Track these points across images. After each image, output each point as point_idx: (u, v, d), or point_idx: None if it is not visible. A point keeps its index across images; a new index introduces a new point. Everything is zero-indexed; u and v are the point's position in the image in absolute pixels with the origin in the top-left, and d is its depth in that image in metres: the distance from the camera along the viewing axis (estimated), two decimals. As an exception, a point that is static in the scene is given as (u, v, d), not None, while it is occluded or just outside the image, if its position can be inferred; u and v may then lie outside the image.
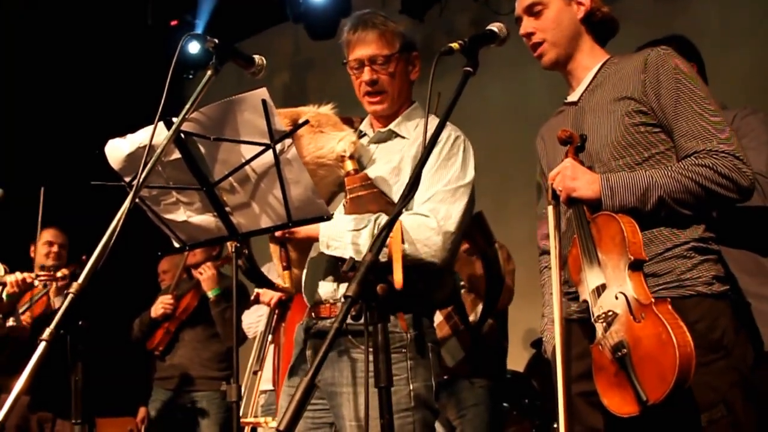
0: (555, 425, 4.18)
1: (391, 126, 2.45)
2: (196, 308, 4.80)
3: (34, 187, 4.28)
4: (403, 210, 1.90)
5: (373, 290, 1.61)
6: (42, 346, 1.58)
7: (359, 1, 6.19)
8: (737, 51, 5.02)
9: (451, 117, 2.40)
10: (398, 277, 1.99)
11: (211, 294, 4.65)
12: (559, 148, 2.21)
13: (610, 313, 1.95)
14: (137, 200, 2.10)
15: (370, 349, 1.70)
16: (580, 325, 2.17)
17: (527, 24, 2.29)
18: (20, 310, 4.29)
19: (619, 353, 1.89)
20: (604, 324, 1.96)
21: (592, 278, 2.02)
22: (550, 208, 2.21)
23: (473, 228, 3.55)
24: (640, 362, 1.86)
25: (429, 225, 2.22)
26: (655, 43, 2.39)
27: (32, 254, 4.73)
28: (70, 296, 1.64)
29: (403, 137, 2.43)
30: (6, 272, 4.11)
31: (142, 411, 5.39)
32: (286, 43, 6.99)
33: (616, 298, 1.94)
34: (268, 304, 3.67)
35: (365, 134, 2.53)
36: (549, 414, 4.31)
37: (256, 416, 3.88)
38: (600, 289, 2.00)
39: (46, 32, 6.38)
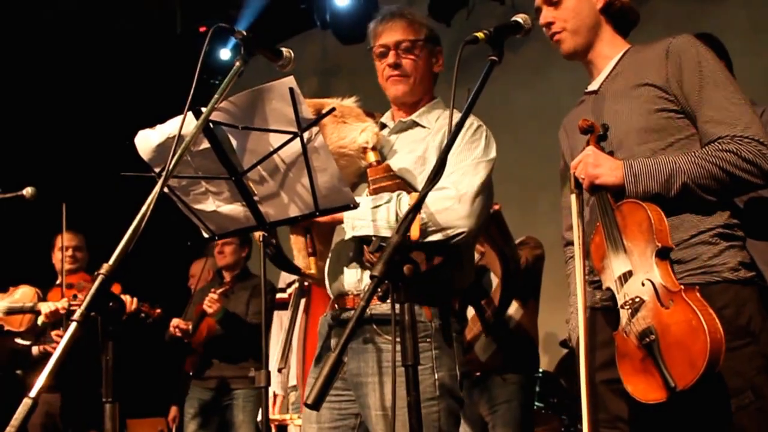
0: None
1: (413, 116, 2.49)
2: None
3: (61, 188, 4.35)
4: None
5: (400, 270, 1.61)
6: (73, 326, 1.60)
7: (386, 4, 6.23)
8: (766, 51, 4.97)
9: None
10: (415, 231, 2.00)
11: (216, 317, 4.71)
12: (580, 137, 2.21)
13: (637, 299, 1.93)
14: (167, 190, 2.14)
15: (397, 329, 1.70)
16: (604, 314, 2.16)
17: (547, 14, 2.30)
18: None
19: (647, 339, 1.88)
20: (630, 311, 1.95)
21: (617, 265, 2.01)
22: (573, 197, 2.20)
23: (491, 225, 3.57)
24: (668, 348, 1.84)
25: (448, 195, 2.24)
26: None
27: (54, 261, 4.79)
28: (100, 277, 1.65)
29: (424, 127, 2.46)
30: (39, 297, 4.19)
31: (173, 410, 5.45)
32: (314, 50, 7.04)
33: (643, 284, 1.93)
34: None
35: (386, 126, 2.56)
36: (577, 412, 4.29)
37: (282, 413, 3.90)
38: (625, 277, 1.98)
39: (73, 38, 6.48)
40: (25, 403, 1.50)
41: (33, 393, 1.51)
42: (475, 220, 2.26)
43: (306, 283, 3.85)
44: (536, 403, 4.28)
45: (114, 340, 1.70)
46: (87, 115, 6.58)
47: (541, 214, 5.65)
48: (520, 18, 2.08)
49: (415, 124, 2.49)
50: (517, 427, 3.93)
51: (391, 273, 1.60)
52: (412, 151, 2.41)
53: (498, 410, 3.94)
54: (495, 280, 4.05)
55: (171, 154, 1.87)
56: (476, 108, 1.96)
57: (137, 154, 2.18)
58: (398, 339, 2.19)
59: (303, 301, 4.03)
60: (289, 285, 4.41)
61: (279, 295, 4.42)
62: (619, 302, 1.99)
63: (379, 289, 1.61)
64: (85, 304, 1.62)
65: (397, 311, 2.18)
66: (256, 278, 4.98)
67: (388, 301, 2.22)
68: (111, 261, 1.68)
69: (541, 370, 4.44)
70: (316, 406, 1.46)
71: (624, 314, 1.97)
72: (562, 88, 5.87)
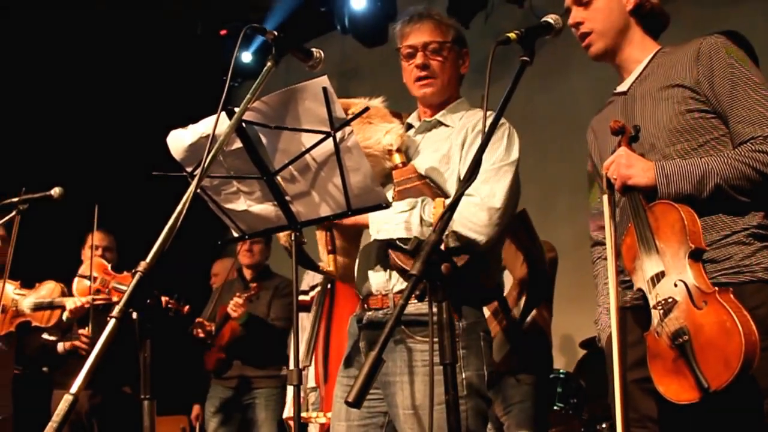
0: (604, 425, 4.16)
1: (437, 116, 2.49)
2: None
3: (89, 189, 4.37)
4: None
5: (438, 269, 1.62)
6: (112, 323, 1.61)
7: (405, 5, 6.25)
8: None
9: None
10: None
11: (240, 321, 4.73)
12: (610, 138, 2.21)
13: (670, 300, 1.93)
14: (198, 190, 2.15)
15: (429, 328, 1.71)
16: (634, 314, 2.16)
17: (576, 14, 2.30)
18: None
19: (679, 340, 1.88)
20: (662, 311, 1.95)
21: (649, 266, 2.01)
22: (605, 197, 2.19)
23: (517, 224, 3.57)
24: (701, 349, 1.84)
25: (473, 202, 2.24)
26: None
27: (83, 256, 4.79)
28: (137, 275, 1.67)
29: (448, 126, 2.47)
30: (64, 293, 4.21)
31: (195, 408, 5.47)
32: (333, 53, 7.07)
33: (675, 285, 1.93)
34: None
35: (412, 126, 2.57)
36: (597, 413, 4.30)
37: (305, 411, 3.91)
38: (658, 277, 1.98)
39: (94, 40, 6.53)
40: (66, 400, 1.51)
41: (73, 389, 1.52)
42: (496, 229, 2.26)
43: (329, 285, 3.86)
44: (557, 404, 4.28)
45: (152, 337, 1.71)
46: (111, 116, 6.62)
47: (559, 216, 5.66)
48: (551, 18, 2.07)
49: (440, 123, 2.50)
50: (531, 428, 3.93)
51: (430, 272, 1.60)
52: (436, 150, 2.42)
53: (512, 410, 3.94)
54: (508, 281, 4.04)
55: (206, 153, 1.89)
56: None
57: (161, 154, 2.19)
58: (428, 338, 2.23)
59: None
60: (312, 288, 4.43)
61: (301, 297, 4.43)
62: (651, 303, 1.99)
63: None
64: (123, 300, 1.63)
65: (422, 311, 2.21)
66: (277, 278, 5.00)
67: (422, 300, 2.26)
68: (148, 258, 1.70)
69: (561, 371, 4.44)
70: (357, 404, 1.46)
71: (656, 315, 1.97)
72: (580, 90, 5.89)
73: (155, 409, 1.72)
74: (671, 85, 2.14)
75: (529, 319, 4.00)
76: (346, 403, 1.48)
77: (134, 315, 1.67)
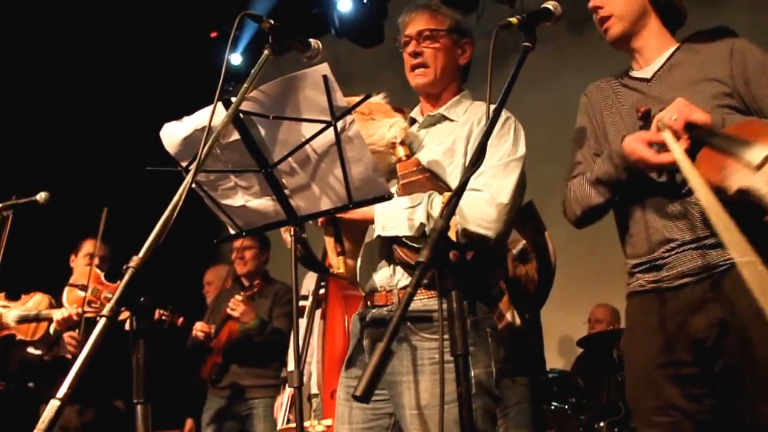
0: (602, 423, 4.10)
1: (441, 110, 2.45)
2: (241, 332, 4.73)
3: (79, 194, 4.28)
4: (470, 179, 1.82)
5: (446, 257, 1.54)
6: (102, 322, 1.50)
7: (396, 4, 6.22)
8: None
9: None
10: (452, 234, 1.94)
11: (252, 325, 4.58)
12: (623, 118, 2.21)
13: None
14: (194, 186, 2.06)
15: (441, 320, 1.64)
16: (656, 296, 2.13)
17: None
18: None
19: None
20: None
21: (754, 154, 1.84)
22: (667, 133, 1.99)
23: (524, 217, 3.50)
24: None
25: (482, 198, 2.19)
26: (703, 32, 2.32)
27: (71, 263, 4.58)
28: (130, 270, 1.57)
29: (452, 120, 2.43)
30: (52, 305, 4.06)
31: (189, 422, 5.34)
32: (325, 57, 7.00)
33: None
34: None
35: (416, 121, 2.53)
36: (594, 411, 4.25)
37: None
38: None
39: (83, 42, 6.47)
40: (52, 405, 1.41)
41: (60, 394, 1.42)
42: (504, 225, 2.21)
43: (321, 291, 3.77)
44: (554, 404, 4.22)
45: (145, 338, 1.61)
46: (101, 120, 6.56)
47: (550, 217, 5.56)
48: (550, 5, 2.08)
49: (444, 117, 2.45)
50: (530, 429, 3.88)
51: (438, 259, 1.53)
52: (440, 143, 2.38)
53: (509, 412, 3.88)
54: None
55: (202, 145, 1.81)
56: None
57: (153, 157, 2.11)
58: (435, 335, 2.16)
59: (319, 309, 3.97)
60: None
61: (302, 303, 4.33)
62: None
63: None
64: (115, 298, 1.53)
65: (428, 307, 2.15)
66: (277, 284, 4.90)
67: (425, 297, 2.19)
68: (141, 253, 1.60)
69: (556, 369, 4.40)
70: (365, 398, 1.38)
71: None
72: (573, 92, 5.82)
73: (150, 414, 1.60)
74: (707, 79, 2.12)
75: (521, 320, 3.94)
76: (354, 397, 1.40)
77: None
